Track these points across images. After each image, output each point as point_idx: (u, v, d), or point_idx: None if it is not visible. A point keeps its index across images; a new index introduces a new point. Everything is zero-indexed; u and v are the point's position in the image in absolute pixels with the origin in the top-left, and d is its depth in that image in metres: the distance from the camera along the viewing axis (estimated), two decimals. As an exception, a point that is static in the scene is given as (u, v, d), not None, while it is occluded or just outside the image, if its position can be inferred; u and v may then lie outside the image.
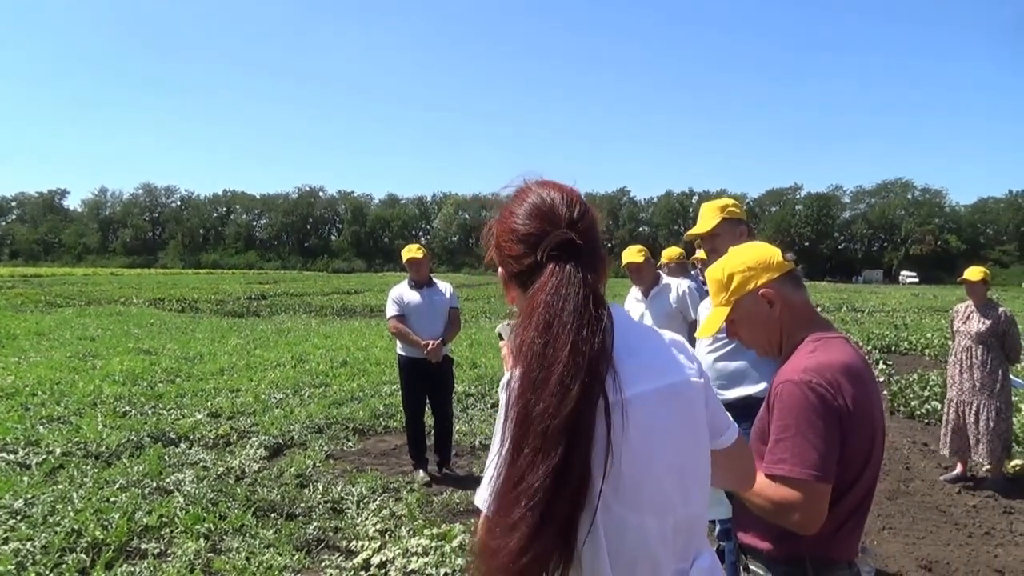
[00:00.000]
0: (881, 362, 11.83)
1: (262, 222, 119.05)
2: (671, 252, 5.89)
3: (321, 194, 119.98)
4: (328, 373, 9.60)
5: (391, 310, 5.52)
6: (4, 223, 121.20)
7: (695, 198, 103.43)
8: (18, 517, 4.25)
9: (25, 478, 4.96)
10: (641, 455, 1.12)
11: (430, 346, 5.33)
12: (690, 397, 1.21)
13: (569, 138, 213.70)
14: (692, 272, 5.63)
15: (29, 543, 3.86)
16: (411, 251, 5.58)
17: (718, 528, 3.18)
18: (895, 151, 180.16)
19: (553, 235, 1.15)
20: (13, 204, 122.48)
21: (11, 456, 5.45)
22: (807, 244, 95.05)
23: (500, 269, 1.25)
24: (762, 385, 3.04)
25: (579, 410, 1.04)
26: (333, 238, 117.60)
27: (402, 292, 5.54)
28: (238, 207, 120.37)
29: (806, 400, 1.56)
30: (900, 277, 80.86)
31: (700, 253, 4.97)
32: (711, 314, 1.86)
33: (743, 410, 3.03)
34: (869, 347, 13.66)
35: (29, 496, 4.55)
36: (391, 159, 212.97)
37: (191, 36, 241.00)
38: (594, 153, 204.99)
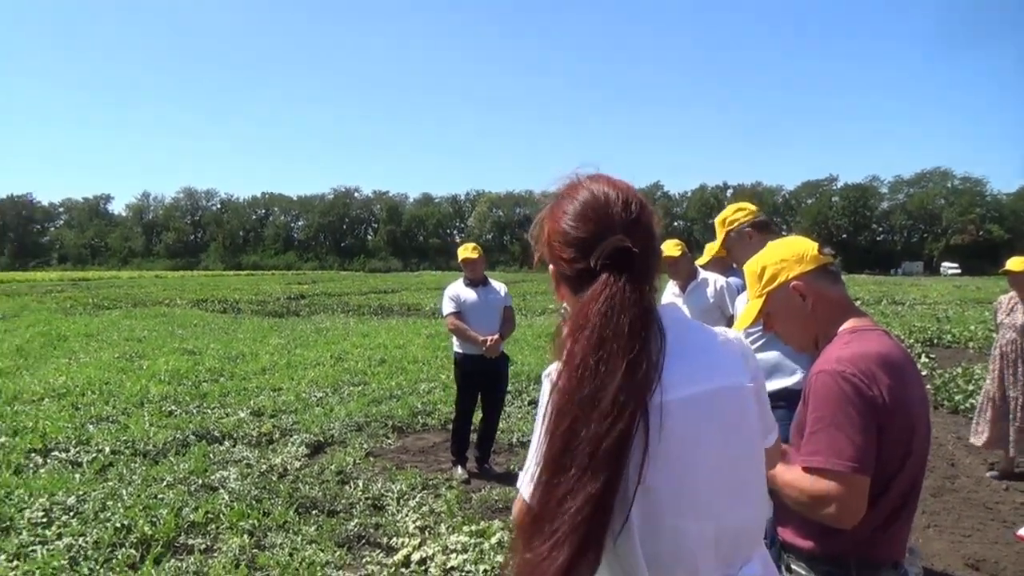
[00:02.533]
0: (923, 356, 11.54)
1: (300, 223, 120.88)
2: (714, 246, 5.81)
3: (357, 194, 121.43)
4: (366, 371, 9.71)
5: (448, 307, 5.58)
6: (52, 229, 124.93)
7: (729, 191, 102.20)
8: (71, 513, 4.39)
9: (77, 475, 5.12)
10: (680, 459, 1.09)
11: (488, 342, 5.37)
12: (739, 401, 1.17)
13: (601, 132, 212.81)
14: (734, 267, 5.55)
15: (81, 538, 3.98)
16: (467, 251, 5.65)
17: None
18: (933, 140, 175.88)
19: (608, 243, 1.10)
20: (61, 210, 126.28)
21: (63, 454, 5.63)
22: (844, 236, 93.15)
23: (551, 267, 1.21)
24: (797, 376, 3.02)
25: (628, 431, 1.03)
26: (369, 238, 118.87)
27: (458, 290, 5.60)
28: (276, 209, 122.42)
29: (840, 390, 1.53)
30: (941, 268, 78.85)
31: None
32: (746, 307, 1.85)
33: (778, 401, 3.01)
34: (911, 340, 13.33)
35: (81, 493, 4.69)
36: (425, 158, 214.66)
37: (227, 42, 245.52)
38: (627, 147, 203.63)
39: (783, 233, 2.94)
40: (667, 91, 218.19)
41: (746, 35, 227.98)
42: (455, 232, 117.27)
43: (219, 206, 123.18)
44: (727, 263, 5.47)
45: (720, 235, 3.27)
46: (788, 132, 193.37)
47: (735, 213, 3.24)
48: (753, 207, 3.30)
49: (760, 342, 3.17)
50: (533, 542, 1.04)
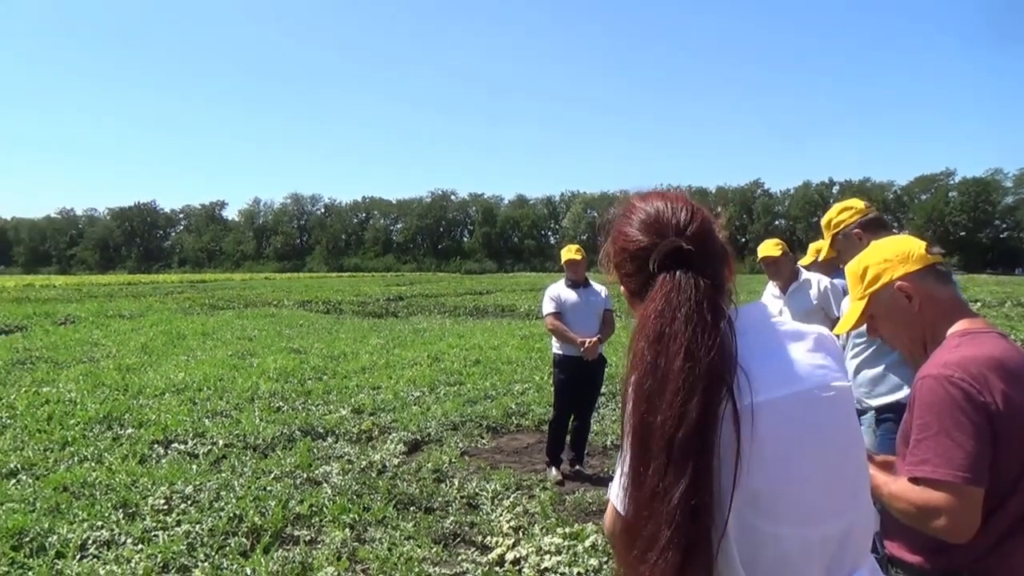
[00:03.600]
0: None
1: (398, 226, 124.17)
2: (818, 244, 5.57)
3: (453, 197, 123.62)
4: (462, 372, 9.86)
5: (548, 307, 5.61)
6: (174, 234, 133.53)
7: (836, 188, 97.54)
8: (189, 501, 4.68)
9: (194, 466, 5.45)
10: (776, 463, 1.07)
11: (587, 344, 5.37)
12: (835, 402, 1.13)
13: (698, 131, 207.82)
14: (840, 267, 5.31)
15: (198, 526, 4.24)
16: (570, 252, 5.67)
17: None
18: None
19: (662, 245, 1.13)
20: (181, 216, 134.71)
21: (182, 446, 6.01)
22: (963, 234, 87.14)
23: (622, 287, 1.25)
24: (905, 391, 2.84)
25: (704, 420, 1.02)
26: (465, 240, 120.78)
27: (559, 291, 5.62)
28: (376, 212, 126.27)
29: (947, 396, 1.44)
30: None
31: None
32: (849, 309, 1.78)
33: (884, 415, 2.86)
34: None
35: (197, 483, 5.00)
36: (520, 160, 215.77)
37: (330, 53, 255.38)
38: (725, 145, 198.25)
39: (895, 231, 2.80)
40: (766, 85, 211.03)
41: (848, 21, 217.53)
42: (549, 233, 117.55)
43: (323, 210, 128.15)
44: (832, 264, 5.24)
45: (827, 240, 3.11)
46: (900, 125, 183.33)
47: (840, 214, 3.05)
48: (861, 205, 3.09)
49: (866, 354, 3.02)
50: (633, 549, 1.04)
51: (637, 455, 1.06)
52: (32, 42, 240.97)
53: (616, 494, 1.12)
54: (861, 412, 3.01)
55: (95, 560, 3.84)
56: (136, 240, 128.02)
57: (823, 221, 3.13)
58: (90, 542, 4.03)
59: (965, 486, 1.40)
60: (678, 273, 1.11)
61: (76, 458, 5.60)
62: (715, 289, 1.12)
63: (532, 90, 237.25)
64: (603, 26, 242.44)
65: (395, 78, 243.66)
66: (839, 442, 1.14)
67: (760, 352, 1.10)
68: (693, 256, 1.12)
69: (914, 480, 1.46)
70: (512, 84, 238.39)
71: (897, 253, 1.68)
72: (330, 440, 6.33)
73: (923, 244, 1.69)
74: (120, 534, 4.12)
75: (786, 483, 1.07)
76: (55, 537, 4.04)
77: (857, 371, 3.02)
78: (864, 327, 1.79)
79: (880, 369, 2.96)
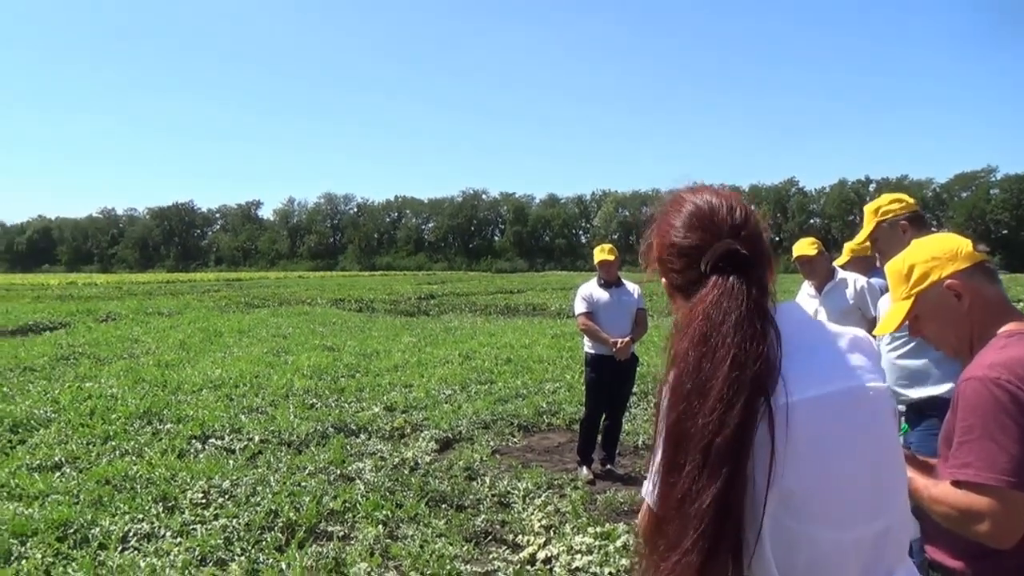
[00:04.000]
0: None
1: (430, 225, 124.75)
2: (853, 244, 5.47)
3: (484, 196, 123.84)
4: (493, 370, 9.89)
5: (580, 307, 5.61)
6: (210, 233, 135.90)
7: (872, 186, 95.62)
8: (226, 496, 4.77)
9: (231, 461, 5.55)
10: (811, 463, 1.06)
11: (619, 344, 5.36)
12: (873, 402, 1.12)
13: (730, 128, 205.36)
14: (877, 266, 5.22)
15: (235, 520, 4.32)
16: (603, 252, 5.66)
17: None
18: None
19: (717, 247, 1.12)
20: (217, 216, 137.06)
21: (219, 442, 6.12)
22: (1005, 232, 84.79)
23: (663, 280, 1.24)
24: (947, 385, 2.77)
25: (743, 428, 1.01)
26: (496, 239, 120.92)
27: (591, 290, 5.62)
28: (408, 212, 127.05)
29: (992, 398, 1.41)
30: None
31: None
32: (891, 309, 1.72)
33: (926, 411, 2.80)
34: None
35: (234, 478, 5.09)
36: (551, 159, 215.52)
37: (360, 55, 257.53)
38: (758, 143, 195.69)
39: (934, 230, 2.73)
40: (802, 82, 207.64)
41: (889, 18, 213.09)
42: (580, 232, 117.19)
43: (356, 210, 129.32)
44: (869, 263, 5.14)
45: (869, 225, 3.00)
46: (939, 121, 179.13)
47: (891, 203, 2.97)
48: (911, 200, 3.02)
49: (906, 347, 2.96)
50: (658, 547, 1.04)
51: (670, 456, 1.05)
52: (75, 49, 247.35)
53: (649, 492, 1.13)
54: (901, 407, 2.95)
55: (136, 552, 3.94)
56: (174, 239, 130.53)
57: (869, 207, 3.02)
58: (131, 534, 4.13)
59: (1009, 491, 1.37)
60: (731, 278, 1.10)
61: (118, 452, 5.74)
62: (762, 293, 1.11)
63: (564, 89, 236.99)
64: (634, 24, 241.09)
65: (427, 79, 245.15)
66: (875, 443, 1.12)
67: (796, 352, 1.09)
68: (746, 260, 1.11)
69: (956, 484, 1.44)
70: (544, 83, 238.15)
71: (945, 251, 1.64)
72: (363, 437, 6.40)
73: (968, 241, 1.65)
74: (160, 527, 4.22)
75: (820, 483, 1.07)
76: (98, 529, 4.15)
77: (898, 364, 2.96)
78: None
79: (923, 362, 2.90)
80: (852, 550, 1.08)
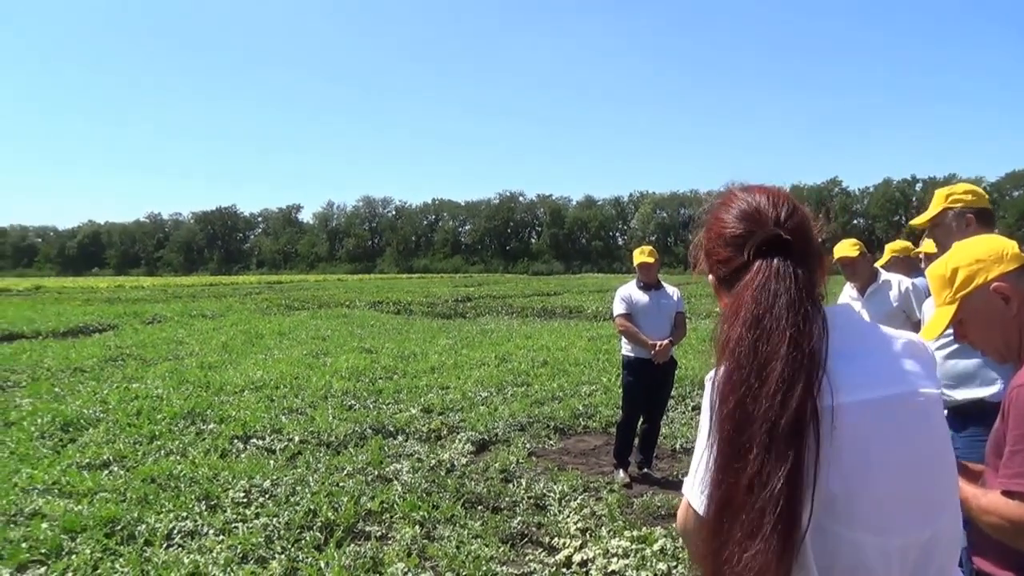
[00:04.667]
0: None
1: (467, 227, 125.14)
2: (895, 245, 5.36)
3: (521, 198, 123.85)
4: (529, 373, 9.89)
5: (619, 308, 5.58)
6: (252, 236, 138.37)
7: (919, 185, 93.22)
8: (266, 495, 4.85)
9: (271, 462, 5.65)
10: (855, 468, 1.04)
11: (658, 346, 5.33)
12: (923, 409, 1.10)
13: (771, 128, 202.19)
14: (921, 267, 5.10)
15: (275, 519, 4.39)
16: (643, 255, 5.62)
17: None
18: None
19: (760, 233, 1.12)
20: (259, 219, 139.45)
21: (260, 442, 6.23)
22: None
23: (710, 276, 1.24)
24: (996, 387, 2.69)
25: (805, 408, 1.00)
26: (533, 241, 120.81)
27: (630, 292, 5.59)
28: (445, 214, 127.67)
29: None
30: None
31: (924, 246, 4.48)
32: (935, 315, 1.68)
33: (973, 415, 2.72)
34: None
35: (275, 477, 5.17)
36: (588, 161, 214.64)
37: (395, 59, 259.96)
38: (799, 143, 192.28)
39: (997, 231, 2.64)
40: (845, 80, 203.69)
41: (937, 14, 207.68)
42: (617, 234, 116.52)
43: (394, 213, 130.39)
44: (912, 263, 5.03)
45: (935, 208, 2.84)
46: (989, 118, 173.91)
47: (965, 193, 2.81)
48: (986, 195, 2.87)
49: (952, 347, 2.88)
50: (731, 542, 1.01)
51: (731, 444, 1.03)
52: (124, 58, 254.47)
53: (695, 493, 1.11)
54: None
55: (180, 549, 4.03)
56: (218, 243, 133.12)
57: (941, 191, 2.86)
58: (175, 532, 4.23)
59: None
60: (776, 260, 1.10)
61: (163, 451, 5.89)
62: (810, 280, 1.11)
63: (600, 90, 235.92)
64: (672, 23, 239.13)
65: (463, 83, 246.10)
66: (925, 450, 1.10)
67: (846, 353, 1.08)
68: (791, 247, 1.12)
69: (1008, 494, 1.40)
70: (580, 84, 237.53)
71: (990, 253, 1.59)
72: (400, 438, 6.45)
73: (1014, 243, 1.61)
74: (203, 525, 4.31)
75: (863, 488, 1.05)
76: (143, 526, 4.25)
77: (945, 363, 2.88)
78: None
79: (969, 363, 2.80)
80: (897, 558, 1.06)
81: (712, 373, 1.14)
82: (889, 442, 1.07)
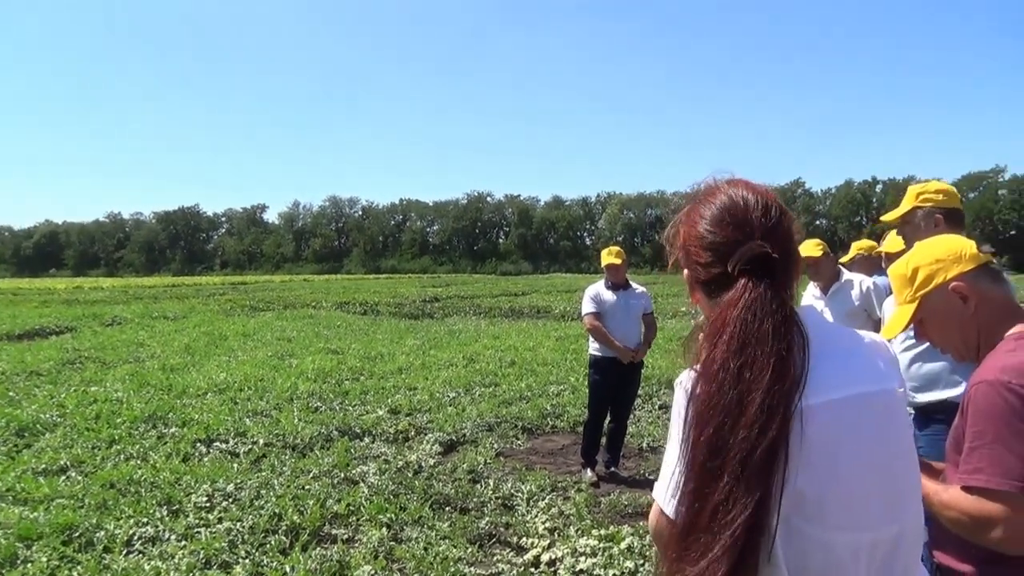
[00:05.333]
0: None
1: (435, 228, 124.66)
2: (861, 243, 5.47)
3: (489, 199, 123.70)
4: (497, 373, 9.88)
5: (588, 307, 5.60)
6: (216, 236, 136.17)
7: (879, 187, 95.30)
8: (230, 499, 4.77)
9: (235, 465, 5.55)
10: (824, 467, 1.05)
11: (636, 354, 5.47)
12: (889, 407, 1.12)
13: (735, 129, 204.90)
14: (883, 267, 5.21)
15: (239, 523, 4.32)
16: (610, 256, 5.65)
17: None
18: None
19: (746, 248, 1.09)
20: (223, 219, 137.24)
21: (224, 445, 6.13)
22: (1013, 233, 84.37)
23: (685, 271, 1.21)
24: (960, 389, 2.75)
25: (781, 440, 1.00)
26: (501, 241, 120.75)
27: (599, 291, 5.62)
28: (413, 214, 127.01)
29: (1004, 403, 1.40)
30: None
31: (886, 245, 4.57)
32: (895, 313, 1.71)
33: (934, 414, 2.78)
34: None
35: (238, 481, 5.09)
36: (555, 161, 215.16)
37: (365, 58, 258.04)
38: (764, 144, 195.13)
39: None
40: (806, 82, 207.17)
41: (895, 17, 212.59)
42: (585, 234, 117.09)
43: (361, 213, 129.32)
44: (874, 263, 5.13)
45: (906, 206, 2.86)
46: (945, 121, 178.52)
47: (936, 192, 2.82)
48: (958, 196, 2.88)
49: (922, 347, 2.93)
50: (687, 557, 1.02)
51: (702, 467, 1.03)
52: (82, 56, 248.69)
53: (665, 499, 1.10)
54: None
55: (140, 556, 3.94)
56: (180, 243, 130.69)
57: (913, 188, 2.87)
58: (136, 538, 4.14)
59: (1022, 496, 1.36)
60: (763, 284, 1.08)
61: (122, 456, 5.75)
62: (790, 298, 1.10)
63: (568, 91, 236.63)
64: (639, 24, 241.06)
65: (431, 82, 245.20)
66: (890, 448, 1.12)
67: (813, 356, 1.08)
68: (777, 264, 1.09)
69: (968, 489, 1.42)
70: (547, 85, 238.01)
71: (949, 252, 1.62)
72: (367, 440, 6.40)
73: (972, 243, 1.64)
74: (164, 530, 4.23)
75: (832, 487, 1.06)
76: (103, 532, 4.16)
77: (911, 367, 2.94)
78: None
79: (933, 366, 2.86)
80: (865, 554, 1.07)
81: (684, 377, 1.13)
82: (857, 440, 1.08)
